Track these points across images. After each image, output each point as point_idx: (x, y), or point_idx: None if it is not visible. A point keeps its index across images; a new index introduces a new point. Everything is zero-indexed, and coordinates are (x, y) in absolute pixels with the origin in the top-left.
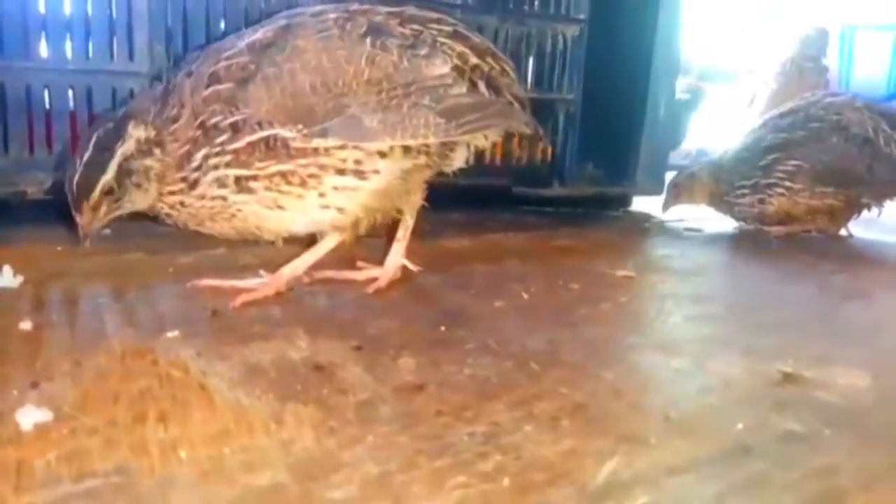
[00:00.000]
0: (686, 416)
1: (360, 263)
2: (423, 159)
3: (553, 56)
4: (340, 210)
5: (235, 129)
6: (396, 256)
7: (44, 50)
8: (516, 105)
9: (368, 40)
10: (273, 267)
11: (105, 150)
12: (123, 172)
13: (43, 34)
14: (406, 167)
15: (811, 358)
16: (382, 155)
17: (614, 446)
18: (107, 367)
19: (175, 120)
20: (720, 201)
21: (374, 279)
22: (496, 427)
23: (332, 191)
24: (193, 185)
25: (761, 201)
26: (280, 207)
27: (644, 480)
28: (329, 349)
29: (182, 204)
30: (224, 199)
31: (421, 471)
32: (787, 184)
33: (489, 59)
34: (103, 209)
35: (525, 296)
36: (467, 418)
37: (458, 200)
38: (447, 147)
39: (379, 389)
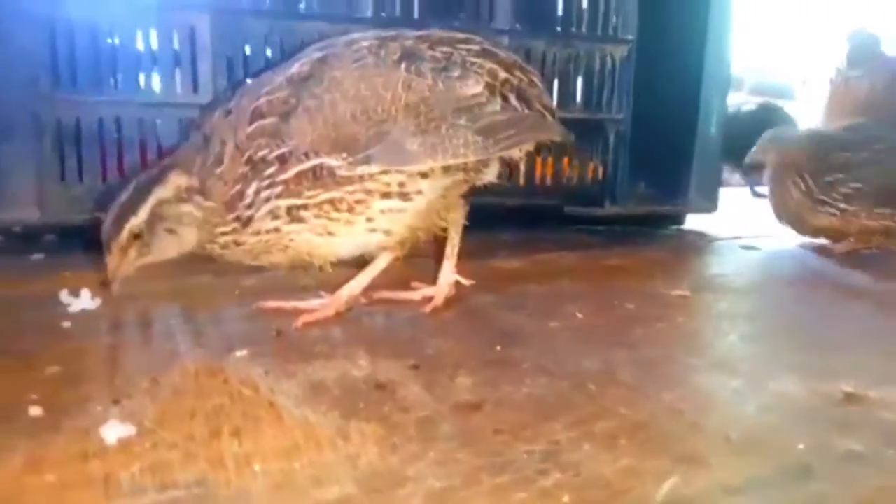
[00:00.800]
0: (746, 435)
1: (414, 284)
2: (461, 175)
3: (602, 76)
4: (387, 232)
5: (283, 160)
6: (448, 273)
7: (113, 84)
8: (546, 115)
9: (403, 66)
10: (331, 287)
11: (141, 194)
12: (156, 217)
13: (113, 69)
14: (446, 184)
15: (873, 377)
16: (424, 175)
17: (673, 466)
18: (182, 385)
19: (220, 162)
20: (790, 181)
21: (430, 298)
22: (555, 445)
23: (379, 214)
24: (247, 222)
25: (810, 210)
26: (330, 234)
27: (704, 500)
28: (388, 368)
29: (236, 243)
30: (278, 230)
31: (482, 487)
32: (843, 205)
33: (517, 73)
34: (132, 253)
35: (580, 316)
36: (526, 437)
37: (508, 220)
38: (482, 163)
39: (438, 407)
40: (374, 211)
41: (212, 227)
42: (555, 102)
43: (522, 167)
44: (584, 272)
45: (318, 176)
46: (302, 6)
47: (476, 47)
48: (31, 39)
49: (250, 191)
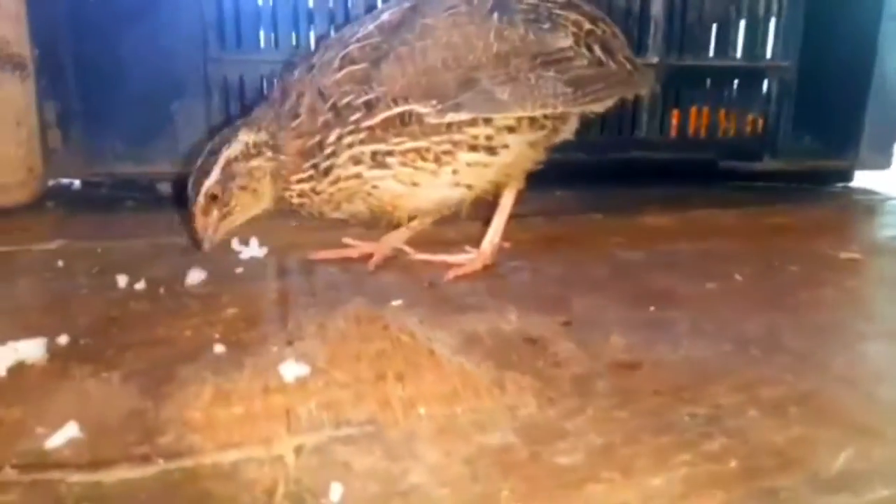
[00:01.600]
0: None
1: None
2: (545, 131)
3: (766, 20)
4: (469, 186)
5: (369, 106)
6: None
7: (273, 43)
8: (629, 67)
9: (495, 16)
10: (473, 241)
11: (213, 156)
12: (227, 176)
13: (273, 28)
14: (531, 139)
15: None
16: (511, 129)
17: (847, 437)
18: (346, 330)
19: (295, 115)
20: None
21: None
22: (718, 410)
23: (464, 167)
24: (327, 171)
25: None
26: (415, 184)
27: (884, 473)
28: (539, 323)
29: (314, 191)
30: (359, 176)
31: (644, 446)
32: None
33: (601, 24)
34: (214, 213)
35: (738, 277)
36: (686, 399)
37: (657, 176)
38: (562, 119)
39: (593, 365)
40: (461, 163)
41: (286, 178)
42: (712, 51)
43: (674, 120)
44: (740, 231)
45: (405, 123)
46: None
47: (561, 0)
48: (200, 2)
49: (331, 138)
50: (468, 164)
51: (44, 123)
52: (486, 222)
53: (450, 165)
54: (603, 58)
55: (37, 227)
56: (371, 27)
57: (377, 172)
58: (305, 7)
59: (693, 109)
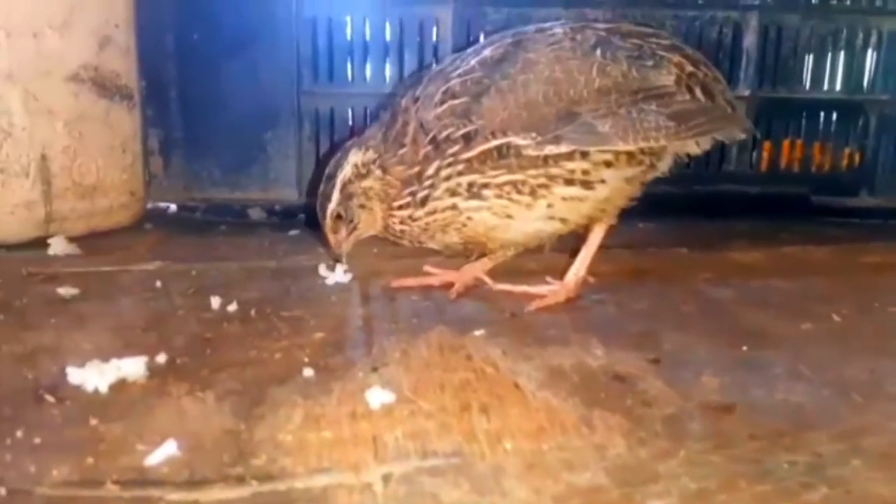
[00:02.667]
0: None
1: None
2: (642, 167)
3: (864, 51)
4: (563, 220)
5: (468, 138)
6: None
7: (363, 77)
8: (729, 109)
9: (598, 51)
10: (555, 272)
11: (331, 180)
12: (346, 197)
13: (363, 63)
14: (628, 175)
15: None
16: (608, 164)
17: None
18: (430, 358)
19: (401, 144)
20: None
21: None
22: (819, 458)
23: (559, 201)
24: (424, 201)
25: None
26: (509, 216)
27: None
28: (625, 359)
29: (412, 218)
30: (455, 207)
31: (741, 493)
32: None
33: (703, 68)
34: (343, 231)
35: (836, 318)
36: (785, 445)
37: (745, 210)
38: (658, 155)
39: (684, 405)
40: (556, 197)
41: (390, 200)
42: (808, 83)
43: (765, 153)
44: (837, 269)
45: (502, 155)
46: None
47: (665, 41)
48: (296, 39)
49: (430, 170)
50: (563, 199)
51: (147, 150)
52: (570, 254)
53: (545, 199)
54: (703, 99)
55: (137, 248)
56: (473, 62)
57: (472, 203)
58: (396, 43)
59: (786, 142)
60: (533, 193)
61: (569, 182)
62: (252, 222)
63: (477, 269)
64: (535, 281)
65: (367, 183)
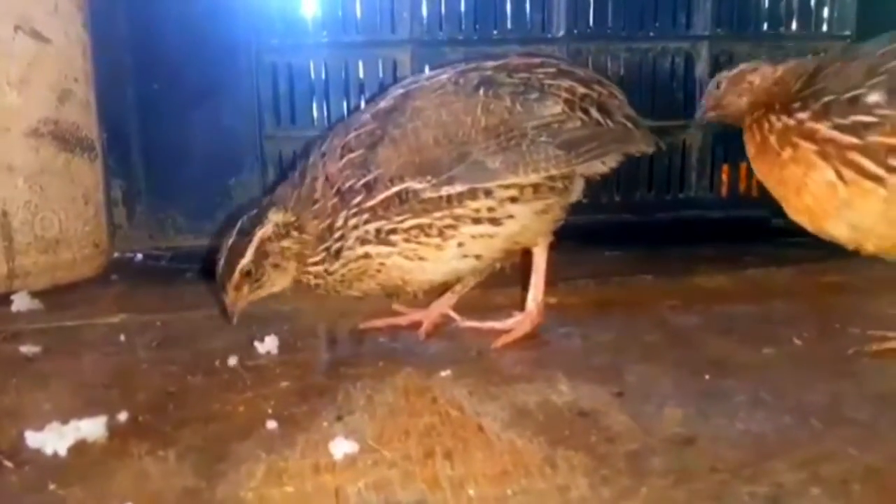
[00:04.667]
0: None
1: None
2: (553, 197)
3: None
4: (478, 257)
5: (369, 188)
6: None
7: (325, 119)
8: (630, 125)
9: (481, 91)
10: (522, 306)
11: (246, 235)
12: (261, 255)
13: (324, 105)
14: (538, 208)
15: None
16: (513, 200)
17: None
18: (395, 404)
19: (313, 200)
20: None
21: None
22: (779, 489)
23: (470, 239)
24: (337, 254)
25: None
26: (421, 258)
27: None
28: (591, 394)
29: (327, 272)
30: (367, 255)
31: None
32: None
33: (597, 87)
34: (245, 289)
35: (797, 341)
36: (746, 477)
37: (709, 234)
38: (567, 181)
39: (647, 440)
40: (466, 236)
41: (305, 258)
42: None
43: (724, 178)
44: (798, 291)
45: (403, 200)
46: (495, 32)
47: (552, 69)
48: (257, 84)
49: (339, 222)
50: (473, 237)
51: (110, 201)
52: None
53: (454, 239)
54: (600, 118)
55: (101, 300)
56: (367, 116)
57: (383, 249)
58: (356, 85)
59: (744, 166)
60: (441, 235)
61: (476, 221)
62: None
63: (443, 306)
64: (503, 316)
65: (285, 243)
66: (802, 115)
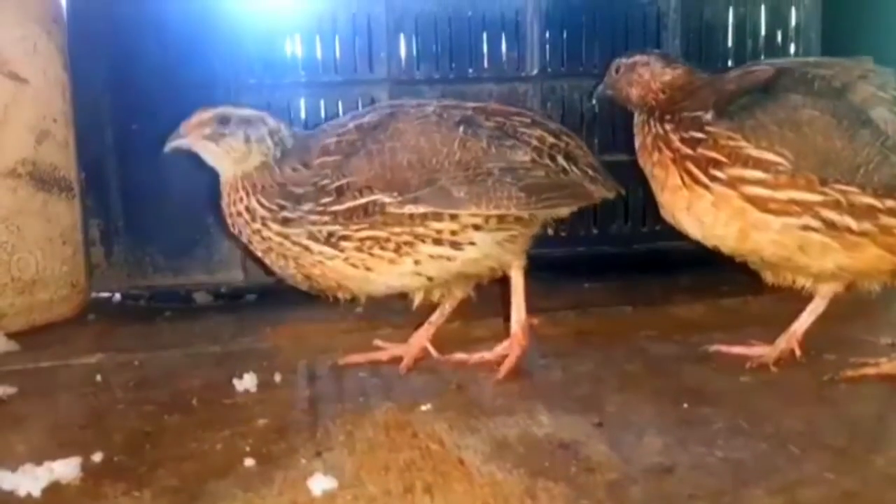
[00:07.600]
0: None
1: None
2: (514, 230)
3: None
4: (430, 278)
5: (340, 192)
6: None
7: None
8: (592, 174)
9: (461, 128)
10: (503, 338)
11: (239, 109)
12: (243, 121)
13: None
14: (498, 238)
15: None
16: (476, 227)
17: None
18: (375, 439)
19: (304, 164)
20: None
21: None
22: None
23: (427, 259)
24: (284, 222)
25: None
26: (368, 269)
27: None
28: (571, 425)
29: (265, 224)
30: (308, 248)
31: None
32: None
33: (564, 138)
34: (207, 131)
35: (773, 369)
36: None
37: (685, 264)
38: (523, 224)
39: (627, 469)
40: (423, 255)
41: (263, 187)
42: None
43: None
44: (774, 319)
45: (369, 213)
46: (471, 70)
47: (527, 119)
48: None
49: (304, 206)
50: (431, 257)
51: (88, 240)
52: (505, 318)
53: (410, 256)
54: (566, 166)
55: (78, 340)
56: (351, 125)
57: (327, 251)
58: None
59: None
60: (398, 250)
61: (437, 242)
62: (197, 307)
63: (423, 339)
64: (484, 348)
65: (265, 135)
66: (668, 126)
